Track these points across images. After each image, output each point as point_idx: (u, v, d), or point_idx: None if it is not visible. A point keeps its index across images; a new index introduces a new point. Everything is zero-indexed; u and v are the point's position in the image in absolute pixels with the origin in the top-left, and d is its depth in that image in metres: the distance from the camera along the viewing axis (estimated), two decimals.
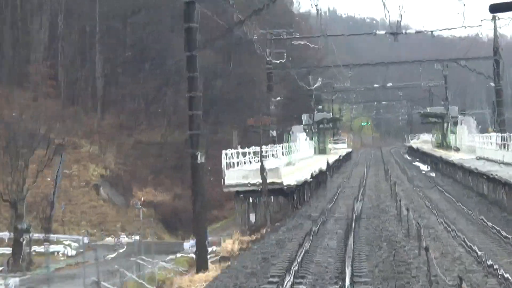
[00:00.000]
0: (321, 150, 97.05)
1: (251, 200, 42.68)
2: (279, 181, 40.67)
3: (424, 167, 79.03)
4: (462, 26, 58.08)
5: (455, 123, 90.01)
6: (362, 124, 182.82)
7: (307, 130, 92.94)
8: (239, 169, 42.54)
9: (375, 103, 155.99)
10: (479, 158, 55.99)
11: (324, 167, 61.35)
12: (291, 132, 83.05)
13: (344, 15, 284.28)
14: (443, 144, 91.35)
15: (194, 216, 31.03)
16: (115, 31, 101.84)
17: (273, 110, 64.05)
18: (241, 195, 40.87)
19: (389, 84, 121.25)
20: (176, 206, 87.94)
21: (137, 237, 70.24)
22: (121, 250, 65.87)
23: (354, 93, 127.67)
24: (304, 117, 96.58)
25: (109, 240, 76.21)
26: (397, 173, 69.49)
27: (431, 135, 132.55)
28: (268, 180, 40.11)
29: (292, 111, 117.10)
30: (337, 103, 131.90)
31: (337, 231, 32.55)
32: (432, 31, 63.26)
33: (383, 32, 64.60)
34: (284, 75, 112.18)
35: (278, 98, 63.84)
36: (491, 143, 52.91)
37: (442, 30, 63.28)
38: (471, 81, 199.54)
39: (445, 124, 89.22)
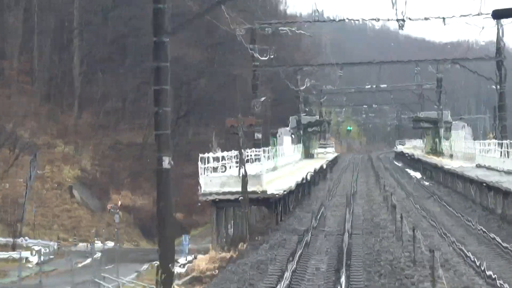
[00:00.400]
0: (309, 155, 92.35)
1: (230, 211, 37.93)
2: (261, 189, 35.81)
3: (416, 175, 74.32)
4: (478, 14, 52.10)
5: (448, 129, 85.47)
6: (349, 128, 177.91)
7: (294, 134, 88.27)
8: (217, 175, 37.60)
9: (365, 106, 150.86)
10: (479, 166, 51.36)
11: (311, 173, 56.65)
12: (278, 135, 78.19)
13: (331, 17, 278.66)
14: (436, 150, 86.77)
15: (159, 232, 26.20)
16: (95, 26, 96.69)
17: (258, 111, 59.20)
18: (219, 205, 36.00)
19: (383, 85, 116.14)
20: (155, 211, 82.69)
21: (112, 243, 65.69)
22: (95, 257, 61.23)
23: (343, 96, 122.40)
24: (292, 119, 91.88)
25: (83, 246, 71.38)
26: (390, 182, 64.78)
27: (421, 141, 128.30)
28: (249, 188, 35.25)
29: (280, 113, 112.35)
30: (325, 106, 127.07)
31: (327, 250, 27.69)
32: (443, 18, 57.42)
33: (388, 19, 58.61)
34: (271, 76, 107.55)
35: (263, 98, 58.94)
36: (495, 151, 48.16)
37: (452, 17, 56.75)
38: (467, 85, 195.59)
39: (438, 130, 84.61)
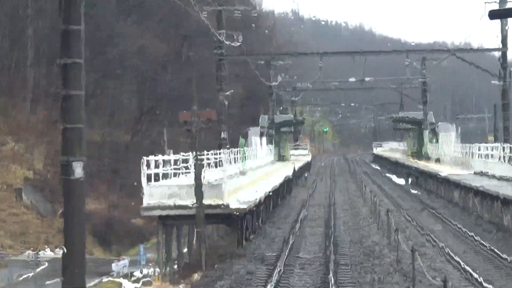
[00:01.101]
0: (281, 157, 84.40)
1: (182, 229, 29.91)
2: (221, 202, 27.67)
3: (400, 181, 66.59)
4: None
5: (434, 130, 77.85)
6: (324, 129, 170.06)
7: (266, 134, 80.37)
8: (165, 184, 29.30)
9: (342, 104, 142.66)
10: (481, 174, 43.56)
11: (284, 178, 48.78)
12: (247, 135, 70.08)
13: (306, 17, 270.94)
14: (420, 153, 79.22)
15: (63, 258, 18.08)
16: (50, 14, 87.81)
17: (223, 107, 50.95)
18: (167, 222, 27.87)
19: (368, 79, 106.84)
20: (111, 216, 74.64)
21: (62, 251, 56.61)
22: (42, 267, 53.04)
23: (320, 93, 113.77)
24: (263, 118, 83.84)
25: (28, 254, 62.88)
26: (372, 189, 56.96)
27: (398, 143, 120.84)
28: (207, 201, 27.15)
29: (251, 112, 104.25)
30: (300, 105, 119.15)
31: None
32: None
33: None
34: (242, 72, 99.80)
35: (229, 92, 50.47)
36: (500, 157, 40.26)
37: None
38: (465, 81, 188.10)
39: (423, 131, 76.98)
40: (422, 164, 64.51)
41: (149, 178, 27.94)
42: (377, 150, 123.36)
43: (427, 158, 73.75)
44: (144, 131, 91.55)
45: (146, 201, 27.47)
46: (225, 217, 27.85)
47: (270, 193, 37.64)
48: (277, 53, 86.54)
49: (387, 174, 78.26)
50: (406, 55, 60.41)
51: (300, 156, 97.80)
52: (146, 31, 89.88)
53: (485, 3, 51.76)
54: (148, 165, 27.98)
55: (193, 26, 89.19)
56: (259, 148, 67.22)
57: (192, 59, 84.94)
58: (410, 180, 64.81)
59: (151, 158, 28.67)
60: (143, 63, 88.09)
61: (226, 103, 49.85)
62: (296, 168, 66.13)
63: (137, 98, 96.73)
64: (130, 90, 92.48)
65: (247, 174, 47.85)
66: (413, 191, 55.55)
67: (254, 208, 31.62)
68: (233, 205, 28.13)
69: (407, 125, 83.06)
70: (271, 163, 70.19)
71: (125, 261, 38.75)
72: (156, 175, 28.74)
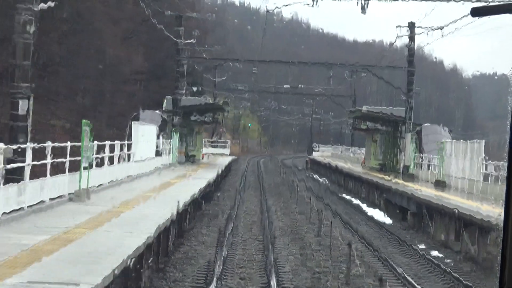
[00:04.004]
0: (190, 158, 56.43)
1: None
2: None
3: (378, 214, 38.95)
4: None
5: (416, 134, 50.89)
6: (250, 125, 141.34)
7: (169, 122, 52.50)
8: None
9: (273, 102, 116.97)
10: None
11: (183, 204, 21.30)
12: (131, 123, 41.58)
13: (237, 3, 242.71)
14: (392, 167, 52.14)
15: None
16: None
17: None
18: None
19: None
20: None
21: None
22: None
23: (248, 76, 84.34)
24: (168, 101, 55.87)
25: None
26: (338, 229, 29.12)
27: (340, 148, 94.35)
28: None
29: (160, 95, 76.11)
30: (222, 91, 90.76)
31: None
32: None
33: None
34: (146, 39, 71.97)
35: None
36: None
37: None
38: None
39: (403, 134, 49.72)
40: (413, 189, 37.20)
41: None
42: (315, 155, 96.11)
43: (409, 176, 46.70)
44: None
45: None
46: None
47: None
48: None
49: (343, 195, 50.49)
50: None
51: (217, 156, 70.43)
52: None
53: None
54: None
55: None
56: (149, 142, 39.15)
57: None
58: (394, 216, 37.00)
59: None
60: None
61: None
62: (211, 180, 38.13)
63: None
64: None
65: (99, 195, 20.05)
66: (420, 245, 27.87)
67: None
68: None
69: (375, 124, 55.73)
70: (168, 167, 42.09)
71: None
72: None
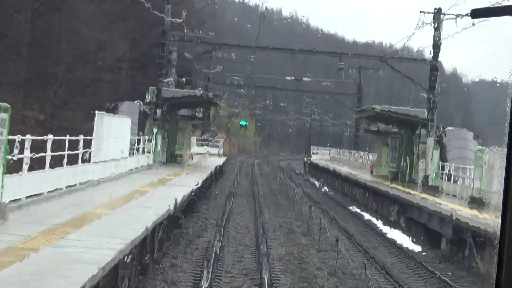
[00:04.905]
0: (174, 158, 48.73)
1: None
2: None
3: (392, 233, 31.23)
4: None
5: (438, 140, 43.24)
6: (244, 123, 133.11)
7: (149, 115, 44.94)
8: None
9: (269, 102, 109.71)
10: None
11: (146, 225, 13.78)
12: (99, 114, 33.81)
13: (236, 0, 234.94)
14: (407, 177, 44.48)
15: None
16: None
17: None
18: None
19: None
20: None
21: None
22: None
23: (245, 66, 76.10)
24: (152, 91, 48.25)
25: None
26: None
27: (336, 150, 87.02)
28: None
29: (146, 86, 68.35)
30: (216, 84, 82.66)
31: None
32: None
33: None
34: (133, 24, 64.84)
35: None
36: None
37: None
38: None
39: (421, 139, 42.08)
40: (448, 208, 29.58)
41: None
42: (314, 158, 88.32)
43: (431, 189, 39.06)
44: None
45: None
46: None
47: None
48: None
49: (358, 210, 42.67)
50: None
51: (208, 156, 63.01)
52: None
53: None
54: None
55: None
56: (122, 139, 31.47)
57: None
58: (444, 247, 29.06)
59: None
60: None
61: None
62: (194, 189, 30.52)
63: None
64: None
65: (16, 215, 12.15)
66: None
67: None
68: None
69: (387, 126, 48.09)
70: (145, 169, 34.44)
71: None
72: None
